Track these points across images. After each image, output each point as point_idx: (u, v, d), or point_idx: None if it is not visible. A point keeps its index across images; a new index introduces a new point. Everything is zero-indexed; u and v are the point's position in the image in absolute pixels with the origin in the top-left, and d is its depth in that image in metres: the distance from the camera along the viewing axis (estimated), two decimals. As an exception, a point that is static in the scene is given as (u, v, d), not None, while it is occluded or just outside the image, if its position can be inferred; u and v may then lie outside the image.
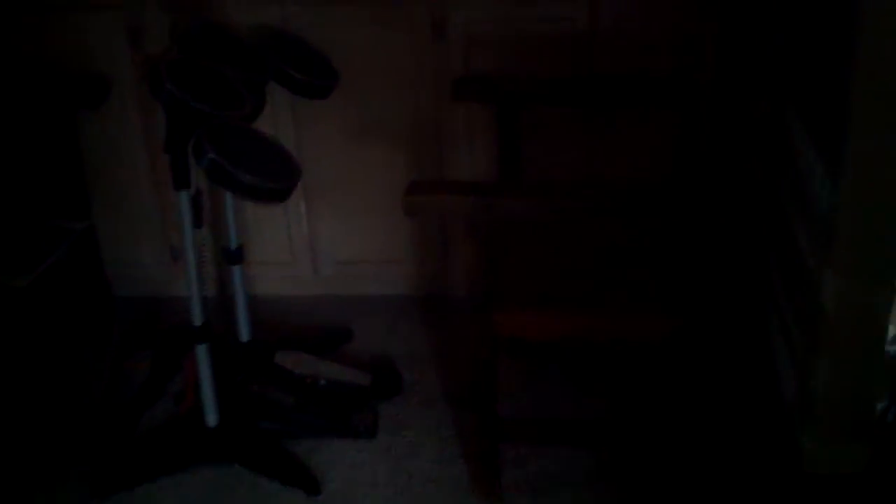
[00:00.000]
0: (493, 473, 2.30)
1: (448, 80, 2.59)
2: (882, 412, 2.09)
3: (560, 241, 2.32)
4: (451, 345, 2.81)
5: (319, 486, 2.34)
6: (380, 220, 2.93)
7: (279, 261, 3.03)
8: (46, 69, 2.77)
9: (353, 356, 2.75)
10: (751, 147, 2.41)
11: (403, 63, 2.76)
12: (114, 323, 2.93)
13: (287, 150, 2.16)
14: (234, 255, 2.59)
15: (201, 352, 2.30)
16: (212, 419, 2.35)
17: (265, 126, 2.28)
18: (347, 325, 2.88)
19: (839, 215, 1.92)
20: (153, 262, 3.05)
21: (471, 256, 2.09)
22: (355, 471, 2.40)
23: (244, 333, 2.66)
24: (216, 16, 2.68)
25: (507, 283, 2.16)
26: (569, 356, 2.60)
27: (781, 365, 2.39)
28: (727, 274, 2.23)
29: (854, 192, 1.88)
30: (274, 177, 2.02)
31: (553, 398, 2.57)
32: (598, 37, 2.67)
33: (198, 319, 2.27)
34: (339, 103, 2.59)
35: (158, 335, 2.82)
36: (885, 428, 2.12)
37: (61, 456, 2.46)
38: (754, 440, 2.29)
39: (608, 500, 2.32)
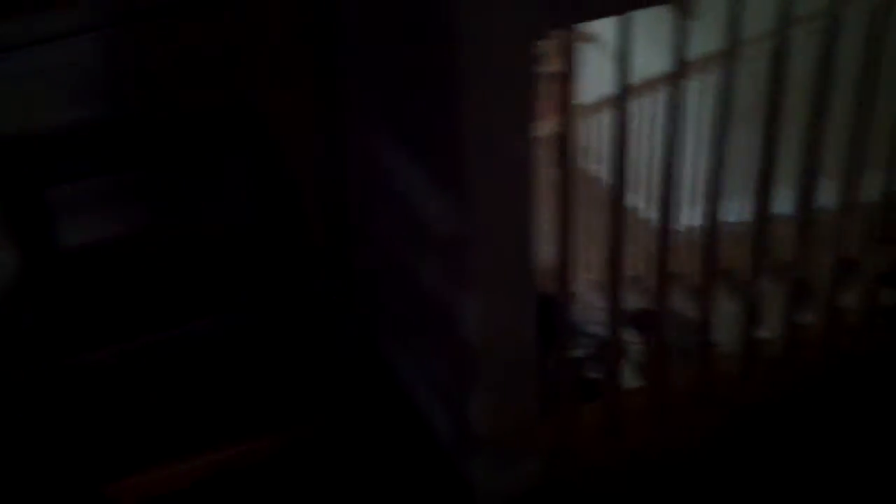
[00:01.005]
0: None
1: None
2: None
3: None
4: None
5: None
6: None
7: None
8: None
9: None
10: (342, 184, 2.13)
11: None
12: None
13: None
14: None
15: None
16: None
17: None
18: None
19: (471, 243, 1.82)
20: None
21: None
22: None
23: None
24: None
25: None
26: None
27: (428, 410, 2.22)
28: (328, 350, 1.98)
29: (482, 217, 1.78)
30: None
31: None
32: (118, 69, 2.15)
33: None
34: None
35: None
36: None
37: None
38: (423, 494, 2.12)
39: None
